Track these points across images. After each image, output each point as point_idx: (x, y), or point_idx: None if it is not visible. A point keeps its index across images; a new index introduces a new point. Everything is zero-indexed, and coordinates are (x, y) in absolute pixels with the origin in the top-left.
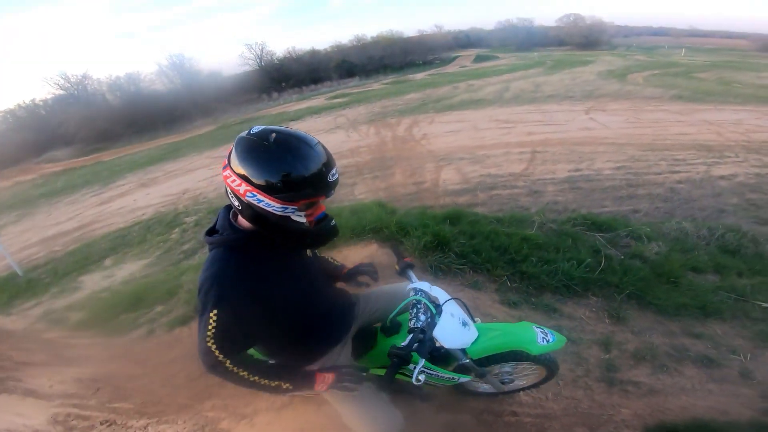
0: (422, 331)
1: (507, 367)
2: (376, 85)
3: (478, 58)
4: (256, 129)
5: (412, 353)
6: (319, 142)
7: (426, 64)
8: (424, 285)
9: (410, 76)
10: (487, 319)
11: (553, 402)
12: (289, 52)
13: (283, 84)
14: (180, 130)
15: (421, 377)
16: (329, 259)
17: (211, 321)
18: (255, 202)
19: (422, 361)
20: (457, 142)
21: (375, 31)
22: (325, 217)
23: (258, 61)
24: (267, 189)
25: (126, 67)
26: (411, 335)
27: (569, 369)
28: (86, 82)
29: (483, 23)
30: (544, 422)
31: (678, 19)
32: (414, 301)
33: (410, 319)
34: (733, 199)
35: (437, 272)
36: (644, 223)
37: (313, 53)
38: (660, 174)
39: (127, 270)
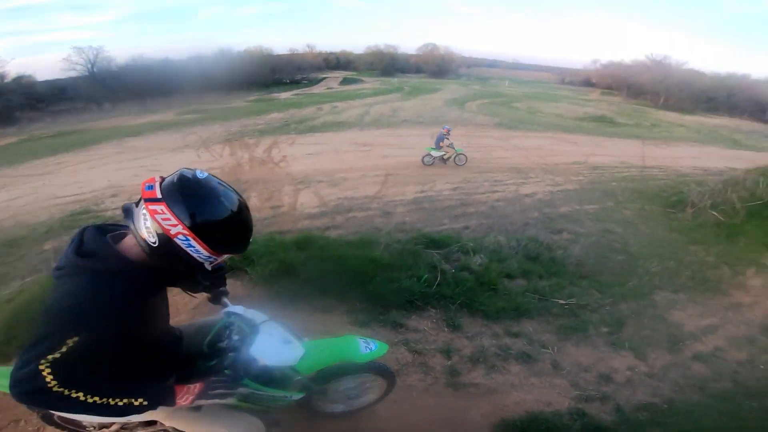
0: (235, 349)
1: (350, 383)
2: (237, 102)
3: (345, 81)
4: (202, 175)
5: (226, 370)
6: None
7: (293, 84)
8: (238, 308)
9: (276, 95)
10: None
11: (410, 413)
12: (133, 60)
13: (120, 93)
14: None
15: (244, 391)
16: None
17: (61, 347)
18: (182, 245)
19: (240, 378)
20: (317, 164)
21: (244, 46)
22: (220, 266)
23: (89, 66)
24: (204, 237)
25: None
26: (223, 354)
27: (420, 379)
28: None
29: (354, 47)
30: None
31: (506, 53)
32: (226, 324)
33: (224, 341)
34: (534, 214)
35: (284, 299)
36: (471, 238)
37: (165, 62)
38: (484, 194)
39: None
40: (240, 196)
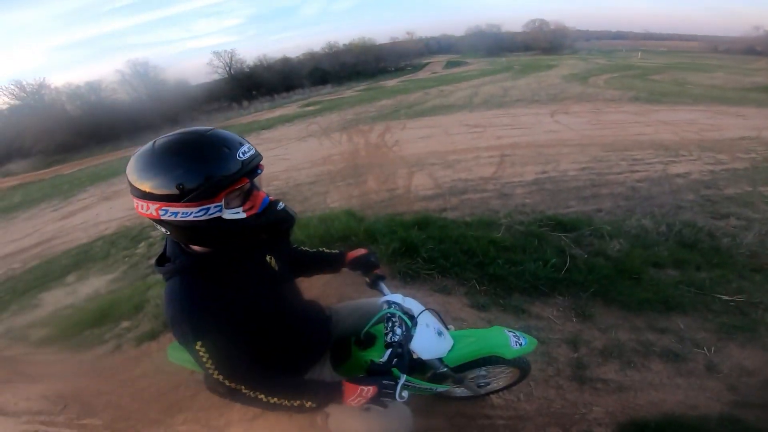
0: (400, 345)
1: (482, 371)
2: (348, 92)
3: (449, 64)
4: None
5: (393, 369)
6: (213, 128)
7: (398, 71)
8: (397, 297)
9: (383, 83)
10: (458, 323)
11: (525, 403)
12: (260, 60)
13: (254, 92)
14: (145, 140)
15: (405, 394)
16: (323, 251)
17: (201, 354)
18: (172, 218)
19: (404, 377)
20: (429, 147)
21: (347, 39)
22: (270, 204)
23: (227, 69)
24: (172, 198)
25: (86, 75)
26: (389, 350)
27: (540, 369)
28: (43, 92)
29: (453, 29)
30: (517, 424)
31: (635, 24)
32: (388, 315)
33: (386, 333)
34: (689, 196)
35: (405, 278)
36: (606, 221)
37: (285, 61)
38: (621, 173)
39: (90, 286)
40: (181, 134)
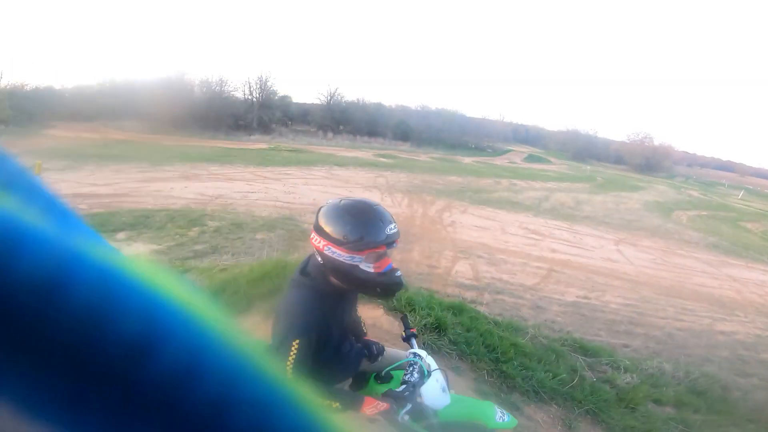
0: (413, 385)
1: None
2: (424, 156)
3: (530, 158)
4: (336, 200)
5: (406, 404)
6: (379, 204)
7: (478, 149)
8: (422, 352)
9: (459, 157)
10: None
11: None
12: (357, 99)
13: (341, 127)
14: (238, 138)
15: (406, 417)
16: (361, 320)
17: (293, 349)
18: (330, 254)
19: (409, 405)
20: (482, 239)
21: (441, 104)
22: (392, 269)
23: (328, 99)
24: (336, 242)
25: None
26: (404, 385)
27: None
28: (186, 75)
29: (547, 123)
30: None
31: (749, 155)
32: (412, 362)
33: (406, 374)
34: (723, 353)
35: (428, 349)
36: (628, 357)
37: (379, 106)
38: (664, 318)
39: (134, 249)
40: (360, 202)
